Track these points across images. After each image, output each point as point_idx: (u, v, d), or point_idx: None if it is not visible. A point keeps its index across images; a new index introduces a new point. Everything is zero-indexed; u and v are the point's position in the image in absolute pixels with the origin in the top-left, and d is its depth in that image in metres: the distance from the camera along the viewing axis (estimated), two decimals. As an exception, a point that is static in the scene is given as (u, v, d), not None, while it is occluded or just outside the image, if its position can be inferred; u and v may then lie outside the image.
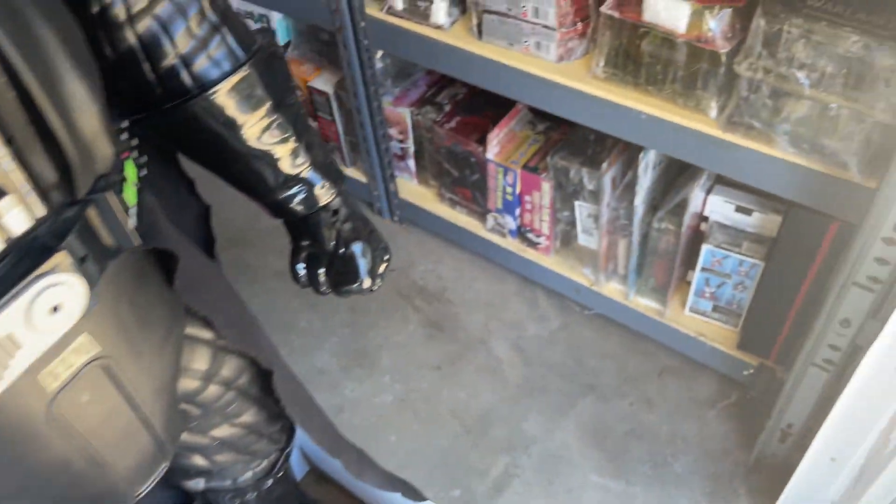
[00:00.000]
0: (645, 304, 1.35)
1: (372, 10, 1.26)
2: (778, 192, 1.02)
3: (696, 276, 1.26)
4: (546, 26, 1.09)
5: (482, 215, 1.49)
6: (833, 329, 0.97)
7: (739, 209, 1.17)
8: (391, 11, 1.24)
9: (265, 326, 0.85)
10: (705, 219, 1.22)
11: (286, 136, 0.66)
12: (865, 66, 0.84)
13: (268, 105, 0.64)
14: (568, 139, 1.30)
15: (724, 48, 0.93)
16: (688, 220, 1.19)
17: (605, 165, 1.20)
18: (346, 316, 1.51)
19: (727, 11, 0.92)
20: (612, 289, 1.38)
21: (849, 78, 0.86)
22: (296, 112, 0.68)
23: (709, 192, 1.18)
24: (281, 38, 1.54)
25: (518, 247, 1.47)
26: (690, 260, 1.27)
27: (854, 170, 0.91)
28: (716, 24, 0.92)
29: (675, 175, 1.24)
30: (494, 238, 1.49)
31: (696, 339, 1.30)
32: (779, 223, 1.13)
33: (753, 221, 1.17)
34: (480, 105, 1.41)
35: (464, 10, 1.21)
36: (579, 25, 1.10)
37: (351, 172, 1.65)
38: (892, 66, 0.82)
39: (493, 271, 1.56)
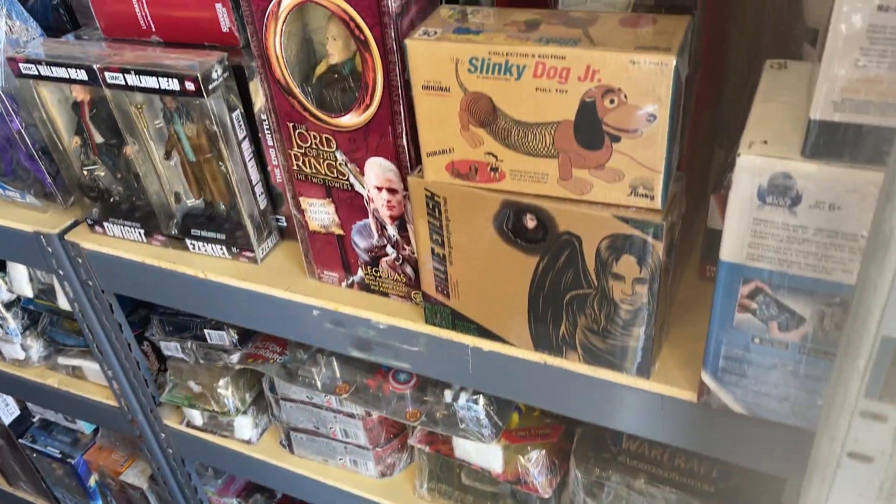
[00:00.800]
0: None
1: (171, 422, 1.11)
2: None
3: None
4: (359, 446, 0.97)
5: None
6: None
7: None
8: (191, 425, 1.09)
9: None
10: None
11: None
12: (697, 523, 0.75)
13: None
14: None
15: (546, 492, 0.83)
16: None
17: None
18: None
19: (541, 451, 0.83)
20: None
21: (682, 533, 0.76)
22: None
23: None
24: (87, 426, 1.36)
25: None
26: None
27: None
28: (532, 465, 0.82)
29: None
30: None
31: None
32: None
33: None
34: (317, 485, 1.26)
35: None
36: (395, 441, 0.98)
37: (183, 559, 1.42)
38: (724, 524, 0.73)
39: None
